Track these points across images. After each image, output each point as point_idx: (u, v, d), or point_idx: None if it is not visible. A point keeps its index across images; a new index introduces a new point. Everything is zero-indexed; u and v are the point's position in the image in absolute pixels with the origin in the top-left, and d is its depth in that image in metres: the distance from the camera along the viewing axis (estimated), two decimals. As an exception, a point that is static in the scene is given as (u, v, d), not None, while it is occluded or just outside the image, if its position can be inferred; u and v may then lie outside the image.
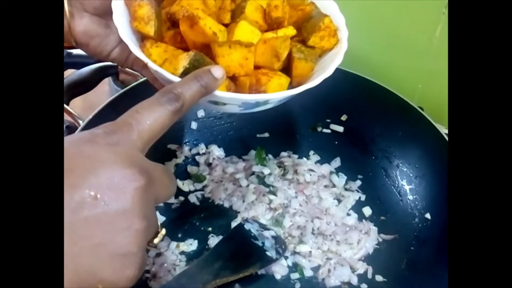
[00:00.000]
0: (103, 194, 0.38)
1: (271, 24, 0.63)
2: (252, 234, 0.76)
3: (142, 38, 0.61)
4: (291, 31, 0.64)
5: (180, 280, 0.69)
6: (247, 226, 0.77)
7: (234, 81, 0.58)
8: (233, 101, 0.57)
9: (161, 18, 0.61)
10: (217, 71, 0.51)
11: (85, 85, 0.98)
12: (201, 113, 1.00)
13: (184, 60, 0.55)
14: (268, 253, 0.75)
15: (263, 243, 0.76)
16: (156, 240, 0.44)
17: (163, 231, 0.45)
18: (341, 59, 0.62)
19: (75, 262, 0.37)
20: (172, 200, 0.90)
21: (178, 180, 0.93)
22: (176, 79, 0.53)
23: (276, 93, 0.57)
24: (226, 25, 0.61)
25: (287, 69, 0.61)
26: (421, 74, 1.05)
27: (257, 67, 0.60)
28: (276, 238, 0.79)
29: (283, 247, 0.78)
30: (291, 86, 0.60)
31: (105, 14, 0.61)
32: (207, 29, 0.56)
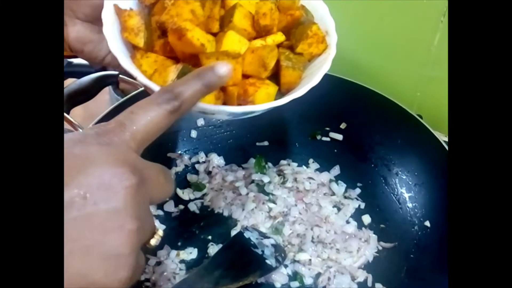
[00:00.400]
0: (93, 194, 0.37)
1: (259, 31, 0.63)
2: (252, 243, 0.76)
3: (133, 46, 0.61)
4: (280, 37, 0.63)
5: (181, 287, 0.69)
6: (246, 234, 0.77)
7: (223, 90, 0.58)
8: (221, 112, 0.57)
9: (151, 28, 0.61)
10: (222, 68, 0.48)
11: (86, 94, 0.98)
12: (200, 122, 1.00)
13: (172, 72, 0.55)
14: (268, 261, 0.75)
15: (262, 251, 0.76)
16: (153, 242, 0.43)
17: (160, 232, 0.44)
18: (328, 66, 0.62)
19: (65, 265, 0.36)
20: (172, 208, 0.90)
21: (178, 189, 0.93)
22: None
23: (262, 104, 0.57)
24: (215, 34, 0.61)
25: (276, 75, 0.62)
26: (420, 82, 1.05)
27: (245, 76, 0.60)
28: (276, 246, 0.79)
29: (282, 255, 0.79)
30: (280, 92, 0.61)
31: (97, 20, 0.60)
32: (195, 41, 0.56)
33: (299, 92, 0.58)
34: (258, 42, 0.62)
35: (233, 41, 0.59)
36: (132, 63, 0.58)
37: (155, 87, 0.54)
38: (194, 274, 0.72)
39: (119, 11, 0.61)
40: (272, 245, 0.78)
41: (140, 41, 0.59)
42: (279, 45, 0.63)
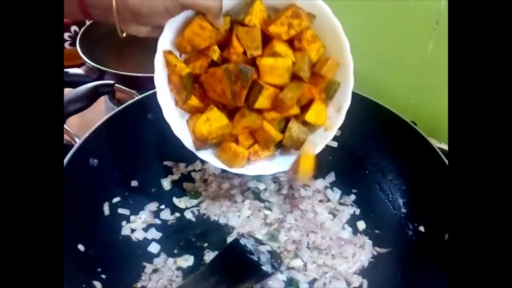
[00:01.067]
0: None
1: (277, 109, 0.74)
2: (248, 249, 0.77)
3: None
4: (295, 111, 0.75)
5: None
6: (242, 241, 0.78)
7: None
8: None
9: (190, 82, 0.72)
10: None
11: (82, 103, 0.99)
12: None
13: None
14: (263, 267, 0.75)
15: (258, 258, 0.76)
16: None
17: None
18: (321, 148, 0.80)
19: None
20: (168, 216, 0.91)
21: (174, 197, 0.94)
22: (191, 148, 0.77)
23: (258, 172, 0.81)
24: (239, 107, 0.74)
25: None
26: (414, 89, 1.06)
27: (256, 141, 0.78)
28: (272, 253, 0.80)
29: (278, 261, 0.79)
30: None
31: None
32: (213, 132, 0.73)
33: (284, 166, 0.81)
34: (274, 115, 0.74)
35: (249, 121, 0.73)
36: (176, 108, 0.75)
37: (186, 143, 0.75)
38: (191, 280, 0.72)
39: (167, 61, 0.71)
40: (268, 251, 0.78)
41: (179, 100, 0.73)
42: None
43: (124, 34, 0.68)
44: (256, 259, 0.76)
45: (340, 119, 0.76)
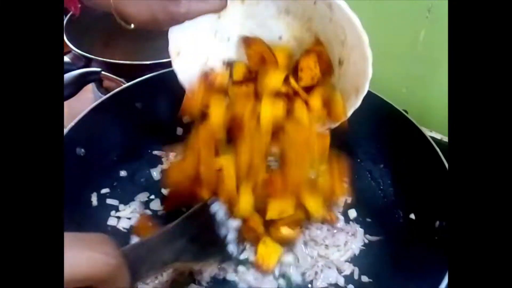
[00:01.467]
0: None
1: None
2: (217, 220, 0.70)
3: None
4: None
5: (139, 250, 0.60)
6: (213, 208, 0.70)
7: None
8: None
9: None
10: None
11: (68, 91, 0.97)
12: (186, 119, 0.99)
13: None
14: (229, 247, 0.69)
15: (226, 235, 0.70)
16: None
17: None
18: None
19: None
20: (158, 207, 0.90)
21: (163, 189, 0.93)
22: None
23: None
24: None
25: None
26: (406, 78, 1.06)
27: None
28: (240, 231, 0.73)
29: (244, 244, 0.76)
30: None
31: None
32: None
33: None
34: None
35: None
36: None
37: None
38: (155, 238, 0.64)
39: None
40: (237, 229, 0.72)
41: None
42: None
43: (132, 26, 0.67)
44: (223, 234, 0.70)
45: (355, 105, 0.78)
